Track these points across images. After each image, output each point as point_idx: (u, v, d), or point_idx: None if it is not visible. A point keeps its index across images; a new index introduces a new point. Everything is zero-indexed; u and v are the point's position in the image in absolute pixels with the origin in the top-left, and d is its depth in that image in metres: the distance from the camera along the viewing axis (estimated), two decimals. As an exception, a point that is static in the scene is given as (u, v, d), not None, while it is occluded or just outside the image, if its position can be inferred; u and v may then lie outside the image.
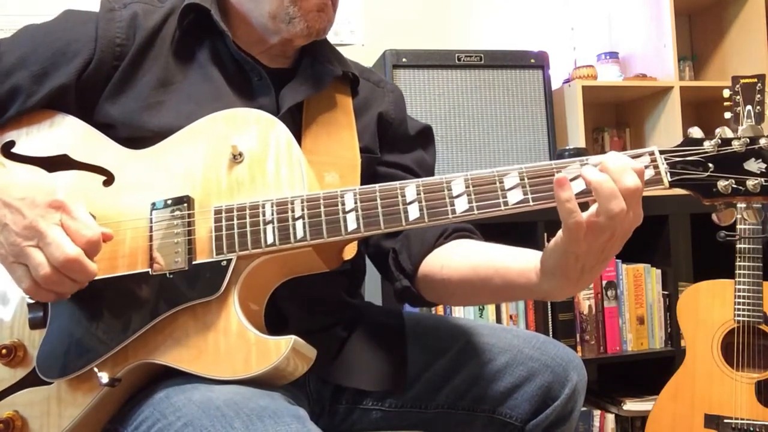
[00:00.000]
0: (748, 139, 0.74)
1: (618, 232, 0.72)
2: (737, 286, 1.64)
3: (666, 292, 1.98)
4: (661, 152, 0.75)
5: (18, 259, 0.74)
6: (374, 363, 1.00)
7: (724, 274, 1.70)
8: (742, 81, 1.48)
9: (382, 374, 0.99)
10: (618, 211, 0.69)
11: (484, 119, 1.95)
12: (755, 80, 1.47)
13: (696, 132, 0.76)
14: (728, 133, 0.75)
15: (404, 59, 1.89)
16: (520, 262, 0.84)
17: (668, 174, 0.74)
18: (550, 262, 0.78)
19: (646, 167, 0.74)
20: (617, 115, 2.45)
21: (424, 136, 1.13)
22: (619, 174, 0.70)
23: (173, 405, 0.72)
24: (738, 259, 1.65)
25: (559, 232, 0.74)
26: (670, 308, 1.96)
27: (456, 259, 0.93)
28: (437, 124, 1.91)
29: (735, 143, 0.74)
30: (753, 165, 0.73)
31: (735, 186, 0.73)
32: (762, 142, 0.73)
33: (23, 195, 0.76)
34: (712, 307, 1.70)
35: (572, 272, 0.75)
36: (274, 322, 0.83)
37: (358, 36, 2.21)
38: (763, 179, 0.73)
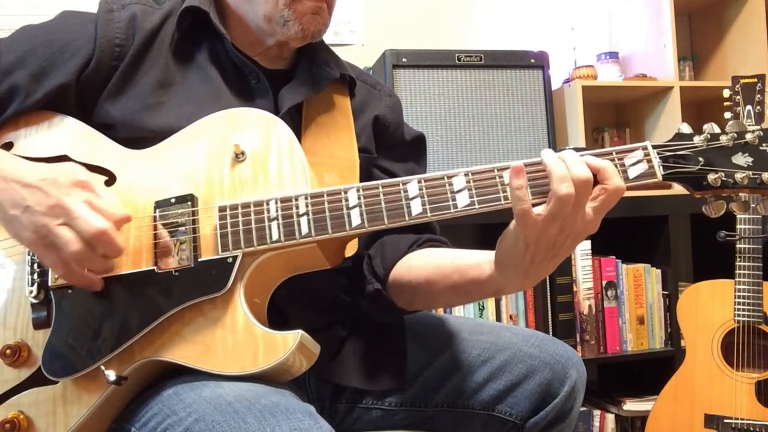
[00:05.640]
0: (735, 134, 0.77)
1: (568, 225, 0.74)
2: (737, 286, 1.65)
3: (666, 292, 1.98)
4: (654, 146, 0.77)
5: (46, 240, 0.74)
6: (374, 362, 1.00)
7: (724, 274, 1.70)
8: (742, 81, 1.48)
9: (382, 373, 0.99)
10: (565, 194, 0.71)
11: (484, 119, 1.95)
12: (755, 80, 1.47)
13: (685, 128, 0.79)
14: (716, 129, 0.78)
15: (404, 59, 1.89)
16: (477, 257, 0.87)
17: (661, 168, 0.77)
18: (501, 250, 0.80)
19: (639, 162, 0.77)
20: (617, 115, 2.45)
21: (418, 146, 1.14)
22: (572, 164, 0.73)
23: (183, 401, 0.73)
24: (738, 259, 1.65)
25: (513, 221, 0.76)
26: (670, 308, 1.96)
27: (422, 260, 0.95)
28: (437, 124, 1.91)
29: (723, 138, 0.77)
30: (740, 159, 0.76)
31: (724, 179, 0.76)
32: (748, 137, 0.76)
33: (43, 176, 0.76)
34: (712, 307, 1.70)
35: (521, 262, 0.77)
36: (273, 321, 0.83)
37: (358, 36, 2.21)
38: (750, 172, 0.75)
